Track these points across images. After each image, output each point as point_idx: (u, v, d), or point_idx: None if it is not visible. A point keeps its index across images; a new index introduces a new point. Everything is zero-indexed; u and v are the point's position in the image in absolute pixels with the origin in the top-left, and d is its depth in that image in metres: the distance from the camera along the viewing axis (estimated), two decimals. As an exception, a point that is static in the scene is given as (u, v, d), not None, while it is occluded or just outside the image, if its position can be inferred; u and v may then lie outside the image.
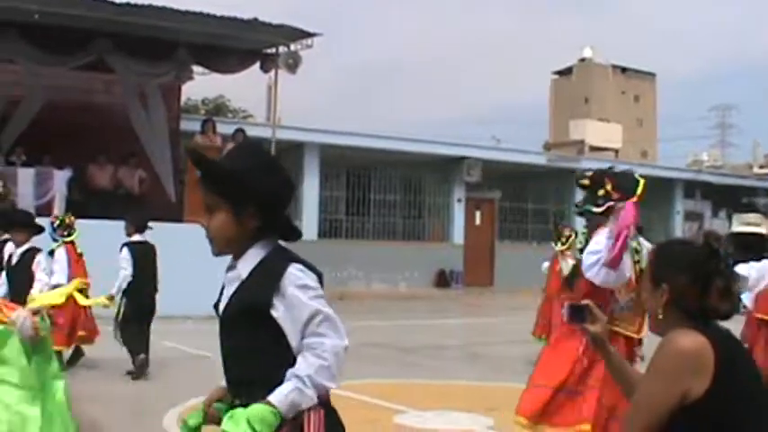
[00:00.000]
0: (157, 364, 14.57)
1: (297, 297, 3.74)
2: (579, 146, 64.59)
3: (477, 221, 36.50)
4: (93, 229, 16.91)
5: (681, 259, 3.79)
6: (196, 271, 17.75)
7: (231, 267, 3.91)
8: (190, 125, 27.19)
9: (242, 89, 50.84)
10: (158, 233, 14.91)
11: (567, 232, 16.41)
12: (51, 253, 13.48)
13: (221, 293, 3.96)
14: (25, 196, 21.29)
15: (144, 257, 13.78)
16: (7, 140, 23.62)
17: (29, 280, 10.15)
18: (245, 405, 3.66)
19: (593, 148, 70.44)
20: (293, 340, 3.76)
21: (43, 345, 6.38)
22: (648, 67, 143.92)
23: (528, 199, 38.64)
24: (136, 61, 23.91)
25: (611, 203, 7.70)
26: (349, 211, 34.35)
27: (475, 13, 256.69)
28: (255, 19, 23.26)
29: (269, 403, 3.63)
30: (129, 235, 13.94)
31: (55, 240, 14.03)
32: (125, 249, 13.66)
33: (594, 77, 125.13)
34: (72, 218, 14.72)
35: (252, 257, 3.85)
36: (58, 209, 20.44)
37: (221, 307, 3.91)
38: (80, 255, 14.48)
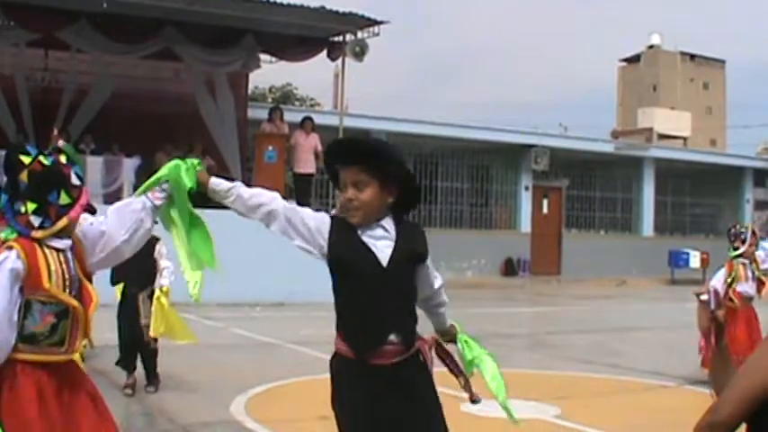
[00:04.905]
0: (226, 351, 14.66)
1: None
2: (647, 134, 64.22)
3: (545, 210, 36.35)
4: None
5: None
6: (264, 259, 17.82)
7: (365, 230, 4.75)
8: (257, 113, 27.29)
9: (309, 77, 50.90)
10: (226, 221, 14.96)
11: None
12: None
13: (346, 249, 4.74)
14: (94, 184, 21.47)
15: None
16: (76, 129, 23.85)
17: (148, 269, 10.23)
18: (406, 337, 4.76)
19: (662, 136, 70.03)
20: (432, 281, 5.05)
21: None
22: (717, 53, 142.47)
23: (595, 187, 38.41)
24: (203, 50, 24.07)
25: None
26: (416, 199, 34.33)
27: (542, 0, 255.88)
28: (322, 7, 23.28)
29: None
30: None
31: None
32: None
33: (663, 65, 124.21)
34: None
35: (391, 222, 4.80)
36: (126, 197, 20.58)
37: (383, 258, 4.72)
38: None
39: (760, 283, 12.76)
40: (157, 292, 9.83)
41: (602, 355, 15.42)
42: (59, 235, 4.60)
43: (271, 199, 4.87)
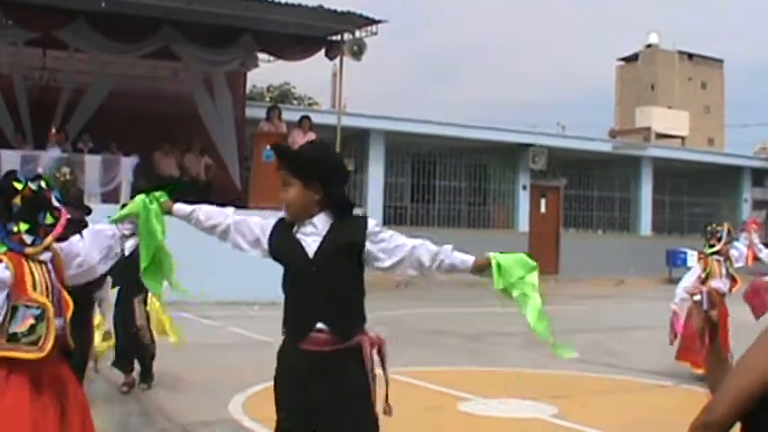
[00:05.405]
0: (224, 350, 14.67)
1: (381, 230, 5.23)
2: (645, 133, 64.11)
3: (542, 209, 36.33)
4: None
5: None
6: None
7: (299, 227, 5.18)
8: (255, 112, 27.28)
9: (307, 76, 50.94)
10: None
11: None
12: None
13: (282, 246, 5.24)
14: (92, 183, 21.49)
15: None
16: (74, 128, 23.85)
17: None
18: (337, 326, 5.06)
19: (660, 136, 69.98)
20: (388, 257, 5.21)
21: None
22: (716, 53, 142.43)
23: (593, 186, 38.38)
24: (201, 49, 24.08)
25: None
26: (414, 198, 34.28)
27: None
28: (321, 6, 23.30)
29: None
30: None
31: None
32: None
33: (661, 64, 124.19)
34: None
35: (325, 218, 5.16)
36: (124, 196, 20.60)
37: (311, 252, 5.12)
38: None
39: (732, 281, 13.27)
40: (152, 294, 9.86)
41: (600, 354, 15.42)
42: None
43: (224, 218, 5.45)
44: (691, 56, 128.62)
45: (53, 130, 22.89)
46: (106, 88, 24.39)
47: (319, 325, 5.07)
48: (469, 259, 5.46)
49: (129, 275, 9.15)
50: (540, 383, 12.40)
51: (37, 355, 5.13)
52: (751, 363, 3.26)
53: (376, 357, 5.21)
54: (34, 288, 5.15)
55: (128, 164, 22.46)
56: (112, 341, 9.55)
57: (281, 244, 5.26)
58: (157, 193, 5.55)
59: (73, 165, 20.50)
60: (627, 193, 39.13)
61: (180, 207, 5.54)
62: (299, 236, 5.20)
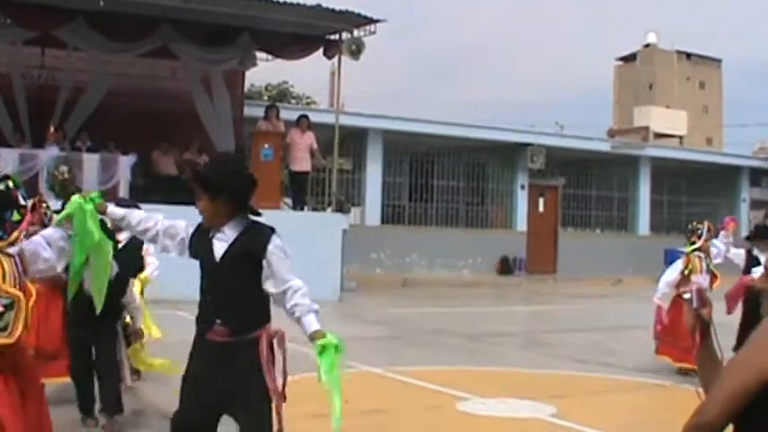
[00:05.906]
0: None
1: (278, 254, 5.80)
2: (644, 132, 64.13)
3: (541, 208, 36.31)
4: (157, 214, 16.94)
5: None
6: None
7: (214, 233, 5.86)
8: (253, 111, 27.25)
9: (305, 75, 50.87)
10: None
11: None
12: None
13: (198, 246, 5.96)
14: (90, 182, 21.44)
15: None
16: (73, 126, 23.84)
17: (137, 264, 10.41)
18: (231, 323, 5.71)
19: (658, 135, 69.96)
20: (270, 281, 5.78)
21: None
22: (715, 52, 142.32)
23: (592, 186, 38.36)
24: (200, 48, 24.06)
25: None
26: (412, 198, 34.24)
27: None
28: (319, 5, 23.26)
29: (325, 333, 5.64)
30: None
31: None
32: None
33: (659, 63, 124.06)
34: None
35: (234, 226, 5.84)
36: (122, 194, 20.58)
37: (216, 256, 5.81)
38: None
39: (713, 277, 13.66)
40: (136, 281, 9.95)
41: (598, 353, 15.44)
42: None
43: (154, 224, 6.12)
44: (689, 55, 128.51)
45: (51, 129, 22.87)
46: (105, 87, 24.38)
47: (217, 321, 5.77)
48: (306, 329, 5.77)
49: (125, 264, 9.30)
50: (538, 383, 12.40)
51: (6, 341, 5.50)
52: (745, 361, 3.25)
53: (276, 350, 5.86)
54: (3, 279, 5.49)
55: (126, 162, 22.41)
56: (144, 339, 9.62)
57: (198, 244, 5.97)
58: (93, 194, 6.14)
59: (71, 163, 20.58)
60: (625, 193, 39.12)
61: (114, 210, 6.19)
62: (213, 240, 5.89)
